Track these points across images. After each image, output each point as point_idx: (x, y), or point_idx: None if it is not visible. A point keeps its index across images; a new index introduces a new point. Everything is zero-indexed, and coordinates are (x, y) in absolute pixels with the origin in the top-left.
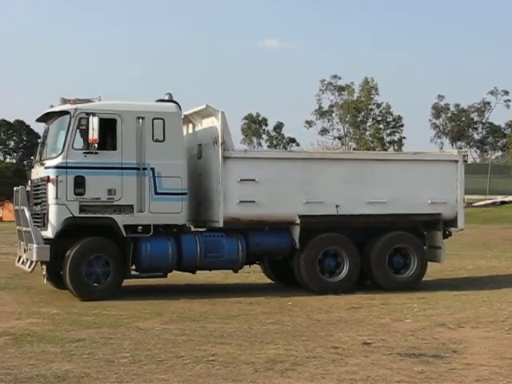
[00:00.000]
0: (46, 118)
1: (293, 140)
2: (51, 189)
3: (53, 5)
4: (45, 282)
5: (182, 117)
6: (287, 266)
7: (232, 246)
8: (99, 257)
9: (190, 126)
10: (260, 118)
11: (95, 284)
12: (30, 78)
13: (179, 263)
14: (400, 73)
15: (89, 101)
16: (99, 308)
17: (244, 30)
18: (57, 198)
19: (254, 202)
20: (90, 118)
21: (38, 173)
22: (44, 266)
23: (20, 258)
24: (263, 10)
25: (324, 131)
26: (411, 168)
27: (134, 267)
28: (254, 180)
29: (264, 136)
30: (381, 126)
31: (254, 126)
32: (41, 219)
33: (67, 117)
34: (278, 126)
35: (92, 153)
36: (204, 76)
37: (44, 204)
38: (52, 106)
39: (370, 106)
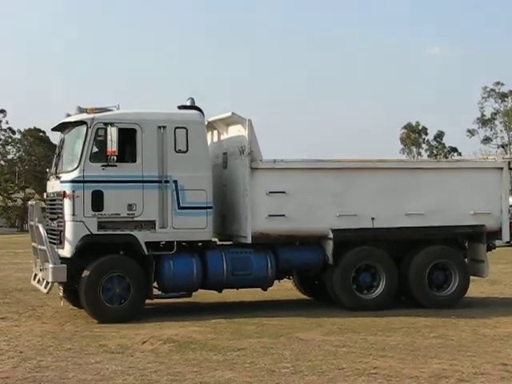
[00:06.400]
0: (62, 127)
1: (454, 149)
2: (67, 204)
3: None
4: (61, 304)
5: (206, 124)
6: (319, 280)
7: (261, 262)
8: (118, 276)
9: (215, 133)
10: (420, 127)
11: (113, 305)
12: None
13: (204, 282)
14: None
15: (106, 110)
16: (260, 318)
17: (408, 38)
18: (73, 214)
19: (283, 215)
20: (109, 128)
21: (53, 186)
22: (61, 287)
23: (36, 275)
24: (427, 17)
25: (487, 140)
26: (452, 177)
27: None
28: (283, 192)
29: (424, 145)
30: None
31: (413, 135)
32: (57, 236)
33: (84, 127)
34: (439, 135)
35: (110, 165)
36: (365, 83)
37: (60, 220)
38: (68, 115)
39: None
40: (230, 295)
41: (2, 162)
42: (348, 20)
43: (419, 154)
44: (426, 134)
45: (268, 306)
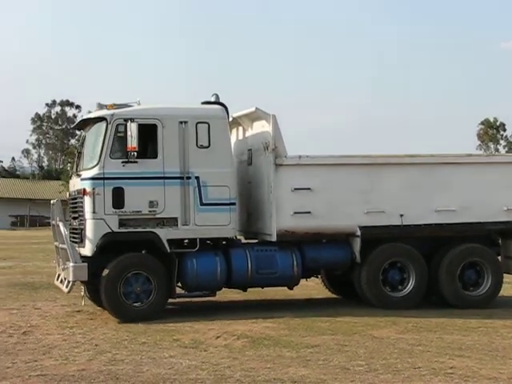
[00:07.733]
0: (83, 124)
1: None
2: (88, 202)
3: None
4: (82, 303)
5: (231, 119)
6: (346, 278)
7: (286, 261)
8: (139, 274)
9: (240, 129)
10: (498, 123)
11: (135, 304)
12: None
13: (229, 280)
14: None
15: (127, 105)
16: (333, 315)
17: (482, 33)
18: (94, 212)
19: (309, 212)
20: (128, 124)
21: (74, 185)
22: (82, 286)
23: (59, 276)
24: (501, 12)
25: None
26: (484, 172)
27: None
28: (309, 189)
29: (502, 142)
30: None
31: (491, 131)
32: (78, 235)
33: (104, 123)
34: None
35: (131, 162)
36: (438, 80)
37: (81, 218)
38: (90, 112)
39: None
40: (297, 292)
41: None
42: (423, 16)
43: (497, 150)
44: (505, 129)
45: (340, 304)
